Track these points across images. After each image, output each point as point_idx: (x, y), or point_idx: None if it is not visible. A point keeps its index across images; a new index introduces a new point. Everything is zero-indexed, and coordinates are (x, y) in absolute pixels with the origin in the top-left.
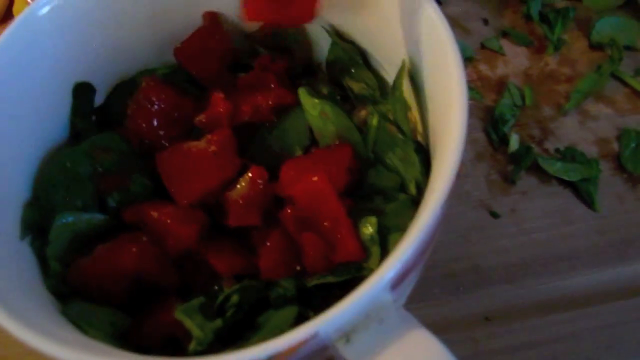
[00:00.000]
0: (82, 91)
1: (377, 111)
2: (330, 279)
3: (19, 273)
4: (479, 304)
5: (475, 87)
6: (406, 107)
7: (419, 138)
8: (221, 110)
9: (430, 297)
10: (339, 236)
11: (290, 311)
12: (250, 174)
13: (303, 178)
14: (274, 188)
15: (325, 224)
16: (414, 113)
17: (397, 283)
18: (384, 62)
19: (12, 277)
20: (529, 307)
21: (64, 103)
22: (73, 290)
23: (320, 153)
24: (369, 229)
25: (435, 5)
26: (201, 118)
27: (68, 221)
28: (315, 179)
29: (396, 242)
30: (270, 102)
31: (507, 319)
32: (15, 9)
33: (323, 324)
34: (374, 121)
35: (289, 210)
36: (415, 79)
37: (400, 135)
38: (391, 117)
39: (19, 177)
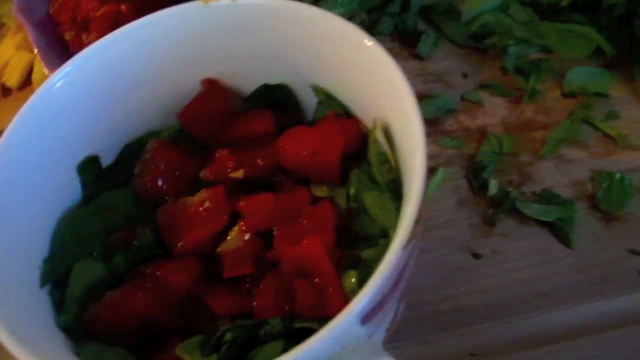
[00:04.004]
0: (90, 163)
1: (356, 165)
2: (316, 325)
3: (39, 318)
4: (465, 341)
5: (457, 137)
6: (380, 159)
7: (398, 186)
8: (229, 165)
9: (416, 335)
10: (326, 293)
11: (276, 346)
12: (237, 228)
13: (296, 242)
14: (269, 254)
15: (316, 280)
16: (391, 163)
17: (367, 317)
18: (364, 118)
19: (33, 321)
20: (513, 343)
21: (76, 167)
22: (87, 332)
23: (307, 213)
24: (351, 281)
25: (401, 74)
26: (206, 173)
27: (83, 269)
28: (307, 242)
29: None
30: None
31: (492, 354)
32: (34, 77)
33: (300, 354)
34: (354, 173)
35: (283, 267)
36: (388, 133)
37: (377, 185)
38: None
39: (38, 235)
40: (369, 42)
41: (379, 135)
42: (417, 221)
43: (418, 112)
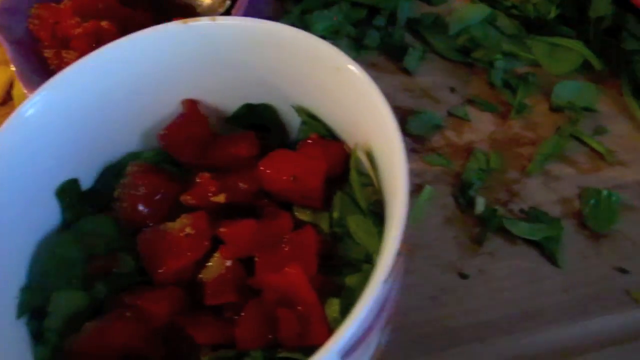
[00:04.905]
0: (69, 186)
1: (340, 188)
2: (299, 356)
3: (16, 351)
4: None
5: (444, 154)
6: (363, 182)
7: (381, 209)
8: (211, 189)
9: (401, 359)
10: (309, 322)
11: None
12: (218, 255)
13: (278, 269)
14: (251, 281)
15: (299, 308)
16: (375, 186)
17: (349, 352)
18: (347, 139)
19: (10, 354)
20: None
21: (54, 192)
22: None
23: (288, 239)
24: (334, 309)
25: (381, 97)
26: (187, 197)
27: (63, 299)
28: (289, 270)
29: None
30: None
31: None
32: (14, 93)
33: None
34: (338, 197)
35: (265, 295)
36: (371, 156)
37: (361, 209)
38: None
39: (15, 264)
40: (349, 64)
41: (362, 157)
42: (399, 253)
43: (400, 139)
